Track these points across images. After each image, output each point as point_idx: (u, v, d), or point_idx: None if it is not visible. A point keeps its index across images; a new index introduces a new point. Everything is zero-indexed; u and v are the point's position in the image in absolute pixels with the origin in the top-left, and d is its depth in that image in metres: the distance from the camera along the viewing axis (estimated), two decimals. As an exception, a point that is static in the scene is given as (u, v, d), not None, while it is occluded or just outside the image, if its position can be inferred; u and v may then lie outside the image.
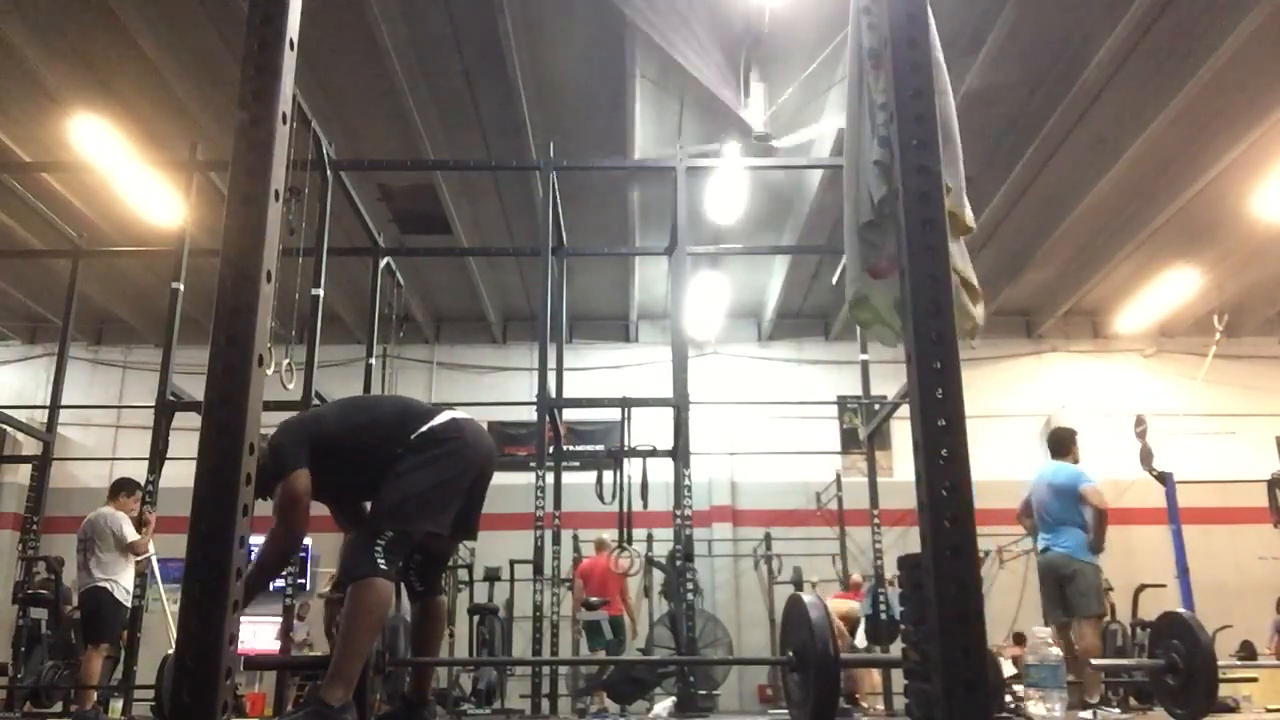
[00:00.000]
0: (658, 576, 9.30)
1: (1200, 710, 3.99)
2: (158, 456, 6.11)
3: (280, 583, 5.96)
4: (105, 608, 6.23)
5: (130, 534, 6.32)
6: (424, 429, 2.99)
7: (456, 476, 3.00)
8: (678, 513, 6.17)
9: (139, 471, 6.44)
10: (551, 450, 7.21)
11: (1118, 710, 5.24)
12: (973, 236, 2.66)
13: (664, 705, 5.93)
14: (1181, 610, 4.36)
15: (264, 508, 2.46)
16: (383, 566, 2.78)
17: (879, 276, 2.34)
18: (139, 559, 6.30)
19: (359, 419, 3.12)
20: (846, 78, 2.25)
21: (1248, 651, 9.23)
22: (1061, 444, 5.90)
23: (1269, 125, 8.27)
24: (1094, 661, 5.19)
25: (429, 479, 2.92)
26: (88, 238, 8.60)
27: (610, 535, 7.49)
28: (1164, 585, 7.88)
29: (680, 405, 6.30)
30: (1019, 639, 10.40)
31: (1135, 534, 10.34)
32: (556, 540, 6.86)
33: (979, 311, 2.46)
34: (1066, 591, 5.52)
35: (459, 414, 3.12)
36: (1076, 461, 5.90)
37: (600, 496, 6.44)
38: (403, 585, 3.28)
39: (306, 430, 3.03)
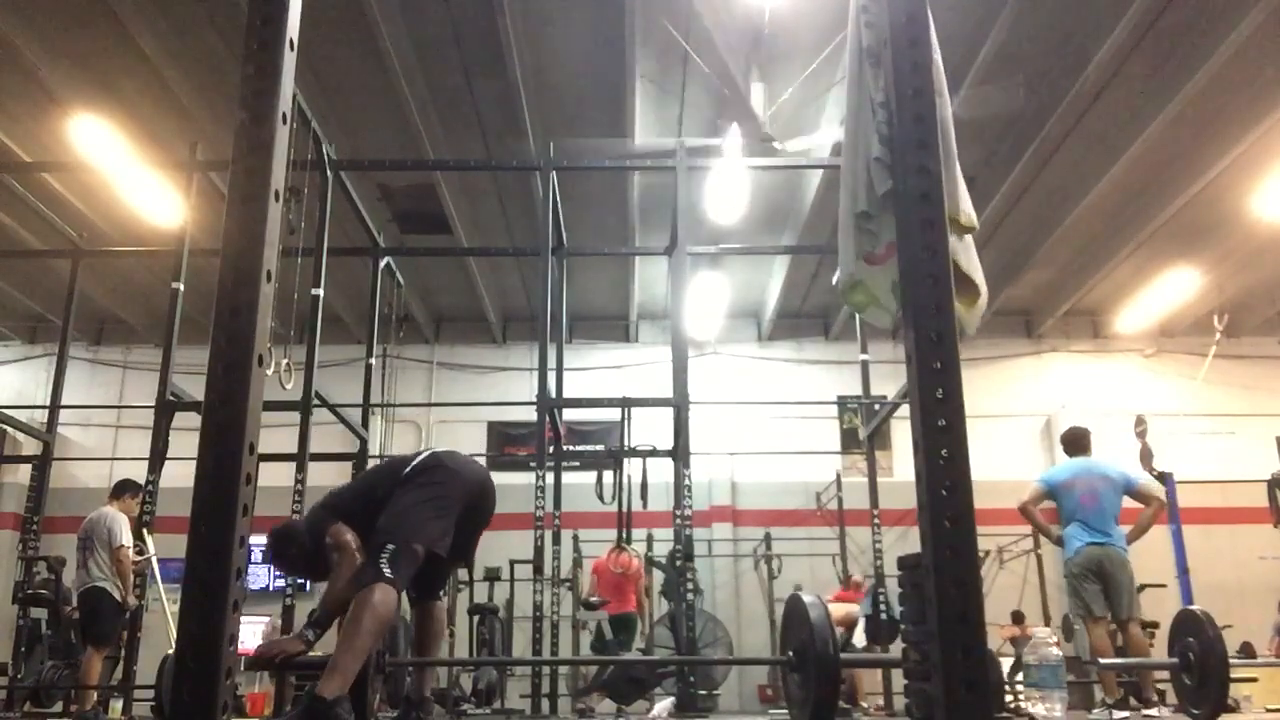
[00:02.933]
0: (658, 576, 9.29)
1: (1215, 709, 3.96)
2: (158, 456, 6.12)
3: (280, 583, 5.95)
4: (105, 607, 6.23)
5: (123, 538, 6.29)
6: (408, 469, 3.28)
7: (444, 494, 3.21)
8: (678, 513, 6.18)
9: (139, 471, 6.44)
10: (551, 450, 7.22)
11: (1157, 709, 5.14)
12: (973, 236, 2.65)
13: (664, 705, 5.93)
14: (1196, 608, 4.32)
15: (264, 509, 2.47)
16: (388, 574, 2.93)
17: (875, 264, 2.33)
18: (122, 564, 6.26)
19: (363, 485, 3.53)
20: (847, 71, 2.24)
21: (1247, 652, 9.21)
22: (1084, 441, 5.79)
23: (1269, 125, 8.26)
24: (1103, 661, 5.15)
25: (418, 497, 3.17)
26: (88, 238, 8.61)
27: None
28: (1164, 585, 7.88)
29: (680, 405, 6.31)
30: (1017, 618, 10.39)
31: (1135, 534, 10.33)
32: (556, 540, 6.87)
33: (973, 315, 2.44)
34: (1117, 590, 5.38)
35: (439, 449, 3.42)
36: None
37: (600, 496, 6.44)
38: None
39: (328, 509, 3.37)
